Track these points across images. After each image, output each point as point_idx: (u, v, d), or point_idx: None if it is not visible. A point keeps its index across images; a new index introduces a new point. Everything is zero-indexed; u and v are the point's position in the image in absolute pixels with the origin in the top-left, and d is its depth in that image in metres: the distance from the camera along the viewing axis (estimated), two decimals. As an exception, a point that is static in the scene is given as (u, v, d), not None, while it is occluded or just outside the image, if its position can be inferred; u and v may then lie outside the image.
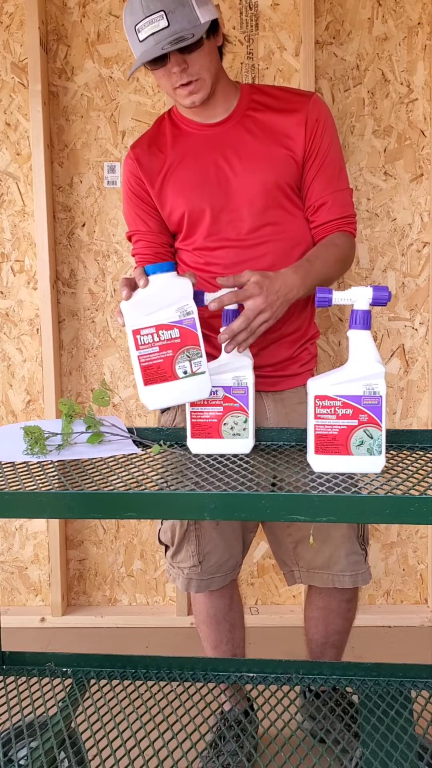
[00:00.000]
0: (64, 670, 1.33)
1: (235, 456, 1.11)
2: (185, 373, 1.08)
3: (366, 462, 1.00)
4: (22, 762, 1.15)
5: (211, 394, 1.11)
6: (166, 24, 1.24)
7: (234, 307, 1.20)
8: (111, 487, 0.94)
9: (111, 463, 1.07)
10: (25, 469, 1.05)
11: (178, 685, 1.29)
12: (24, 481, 0.98)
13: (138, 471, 1.03)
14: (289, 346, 1.48)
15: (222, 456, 1.11)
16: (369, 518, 0.88)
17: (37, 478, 1.00)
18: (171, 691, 1.26)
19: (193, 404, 1.12)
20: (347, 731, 1.33)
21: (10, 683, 1.29)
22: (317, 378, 1.03)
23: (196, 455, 1.12)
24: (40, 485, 0.96)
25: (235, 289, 1.19)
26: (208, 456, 1.11)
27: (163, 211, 1.46)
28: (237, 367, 1.12)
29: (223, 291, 1.19)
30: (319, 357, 1.66)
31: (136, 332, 1.08)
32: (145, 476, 1.00)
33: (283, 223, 1.42)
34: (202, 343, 1.08)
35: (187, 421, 1.13)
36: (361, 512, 0.87)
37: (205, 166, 1.41)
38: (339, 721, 1.35)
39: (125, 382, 2.19)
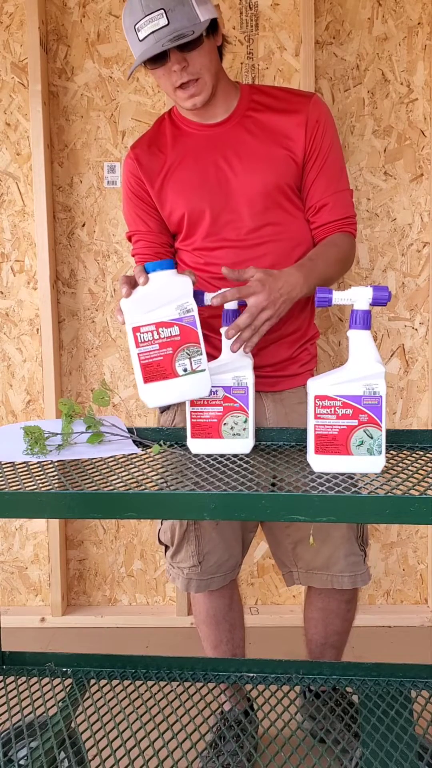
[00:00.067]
0: (64, 670, 1.33)
1: (235, 456, 1.11)
2: (185, 370, 1.07)
3: (366, 462, 1.00)
4: (22, 762, 1.15)
5: (211, 394, 1.11)
6: (166, 22, 1.24)
7: (234, 307, 1.20)
8: (111, 487, 0.94)
9: (111, 463, 1.07)
10: (25, 469, 1.05)
11: (178, 685, 1.29)
12: (24, 481, 0.98)
13: (138, 471, 1.03)
14: (289, 347, 1.48)
15: (222, 456, 1.11)
16: (369, 518, 0.88)
17: (37, 478, 1.00)
18: (171, 691, 1.26)
19: (193, 404, 1.12)
20: (347, 731, 1.33)
21: (10, 683, 1.29)
22: (317, 378, 1.03)
23: (196, 455, 1.12)
24: (40, 485, 0.96)
25: (237, 290, 1.19)
26: (208, 456, 1.11)
27: (163, 211, 1.46)
28: (237, 367, 1.12)
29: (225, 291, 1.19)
30: (319, 357, 1.66)
31: (135, 330, 1.07)
32: (145, 476, 1.00)
33: (283, 223, 1.42)
34: (202, 341, 1.08)
35: (187, 421, 1.13)
36: (361, 512, 0.87)
37: (205, 167, 1.41)
38: (339, 721, 1.35)
39: (125, 382, 2.19)
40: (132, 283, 1.12)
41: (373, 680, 1.28)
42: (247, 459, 1.09)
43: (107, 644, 2.10)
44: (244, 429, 1.12)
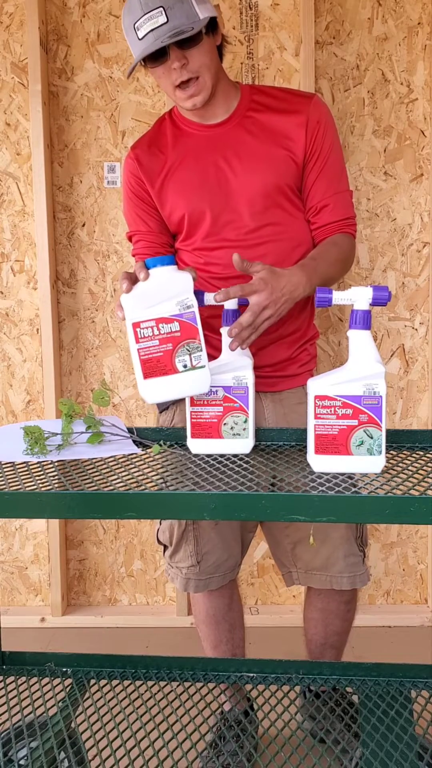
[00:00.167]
0: (64, 670, 1.33)
1: (235, 456, 1.11)
2: (185, 366, 1.07)
3: (366, 462, 1.00)
4: (22, 762, 1.15)
5: (211, 393, 1.11)
6: (165, 20, 1.25)
7: (234, 307, 1.20)
8: (111, 487, 0.94)
9: (111, 463, 1.07)
10: (25, 469, 1.05)
11: (178, 685, 1.29)
12: (24, 481, 0.98)
13: (138, 471, 1.03)
14: (289, 347, 1.48)
15: (222, 456, 1.11)
16: (369, 518, 0.88)
17: (37, 478, 1.00)
18: (171, 691, 1.26)
19: (193, 404, 1.12)
20: (347, 731, 1.33)
21: (10, 683, 1.29)
22: (317, 378, 1.03)
23: (196, 455, 1.12)
24: (40, 485, 0.96)
25: (240, 287, 1.19)
26: (208, 456, 1.11)
27: (163, 211, 1.46)
28: (237, 367, 1.12)
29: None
30: (319, 357, 1.66)
31: (135, 325, 1.07)
32: (145, 476, 1.00)
33: (283, 223, 1.42)
34: (202, 337, 1.08)
35: (187, 421, 1.13)
36: (361, 512, 0.87)
37: (206, 167, 1.41)
38: (339, 721, 1.35)
39: (125, 382, 2.19)
40: (132, 279, 1.11)
41: (373, 680, 1.28)
42: (247, 459, 1.09)
43: (107, 644, 2.10)
44: (244, 429, 1.12)
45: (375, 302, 1.01)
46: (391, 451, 1.13)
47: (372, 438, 0.99)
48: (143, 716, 1.18)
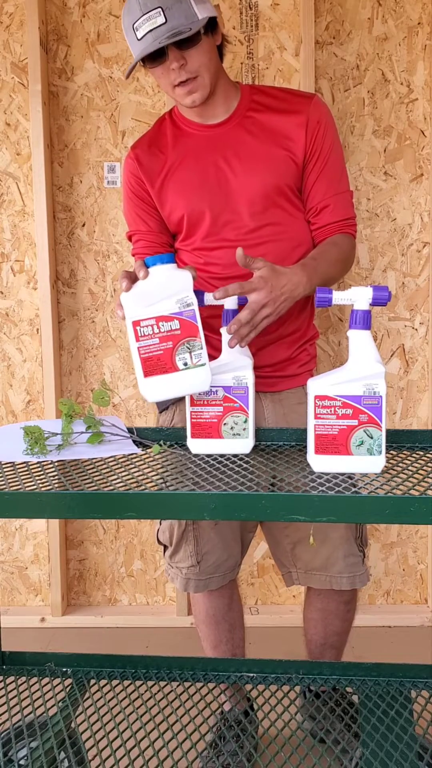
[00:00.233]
0: (64, 670, 1.33)
1: (235, 456, 1.11)
2: (185, 364, 1.07)
3: (366, 462, 1.00)
4: (22, 762, 1.15)
5: (210, 393, 1.11)
6: (164, 20, 1.25)
7: (234, 306, 1.20)
8: (111, 487, 0.94)
9: (111, 463, 1.07)
10: (25, 469, 1.05)
11: (178, 685, 1.29)
12: (24, 481, 0.98)
13: (138, 471, 1.03)
14: (288, 347, 1.48)
15: (222, 456, 1.11)
16: (369, 518, 0.88)
17: (37, 478, 1.00)
18: (171, 691, 1.26)
19: (193, 404, 1.12)
20: (347, 731, 1.33)
21: (10, 683, 1.29)
22: (317, 378, 1.03)
23: (195, 455, 1.12)
24: (40, 485, 0.96)
25: (239, 284, 1.19)
26: (208, 456, 1.11)
27: (163, 211, 1.46)
28: (237, 367, 1.12)
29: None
30: (319, 357, 1.66)
31: (136, 324, 1.07)
32: (145, 476, 1.00)
33: (283, 224, 1.42)
34: (203, 335, 1.07)
35: (186, 421, 1.13)
36: (360, 512, 0.87)
37: (206, 167, 1.41)
38: (339, 721, 1.35)
39: (125, 382, 2.19)
40: (132, 278, 1.11)
41: (373, 680, 1.28)
42: (247, 459, 1.09)
43: (107, 644, 2.10)
44: (244, 429, 1.12)
45: (375, 302, 1.01)
46: (391, 451, 1.13)
47: (372, 438, 0.99)
48: (143, 716, 1.18)
